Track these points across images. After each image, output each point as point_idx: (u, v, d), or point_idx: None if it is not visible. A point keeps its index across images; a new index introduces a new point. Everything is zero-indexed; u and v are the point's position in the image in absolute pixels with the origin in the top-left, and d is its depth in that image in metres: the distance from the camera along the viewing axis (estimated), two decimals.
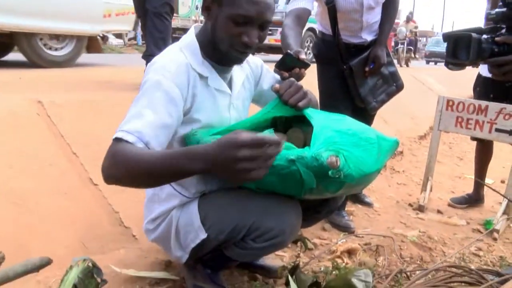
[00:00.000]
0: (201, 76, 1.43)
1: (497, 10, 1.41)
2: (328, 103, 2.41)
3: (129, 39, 16.38)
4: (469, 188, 3.47)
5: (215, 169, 1.01)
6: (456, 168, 4.51)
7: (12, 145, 2.11)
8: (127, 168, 1.14)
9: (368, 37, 2.45)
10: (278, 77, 1.69)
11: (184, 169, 1.05)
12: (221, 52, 1.41)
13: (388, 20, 2.48)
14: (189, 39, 1.47)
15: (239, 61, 1.47)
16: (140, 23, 3.35)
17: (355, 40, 2.43)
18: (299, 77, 1.60)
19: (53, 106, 2.43)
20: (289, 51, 1.61)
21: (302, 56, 1.59)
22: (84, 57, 5.58)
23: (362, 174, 1.29)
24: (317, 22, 2.56)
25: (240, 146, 0.94)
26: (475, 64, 1.56)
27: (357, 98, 2.47)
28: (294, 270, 1.15)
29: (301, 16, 2.18)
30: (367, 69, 2.43)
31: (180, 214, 1.53)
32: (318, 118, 1.41)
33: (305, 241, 1.81)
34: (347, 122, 1.44)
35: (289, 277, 1.11)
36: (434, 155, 3.28)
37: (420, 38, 23.30)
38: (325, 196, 1.43)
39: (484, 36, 1.41)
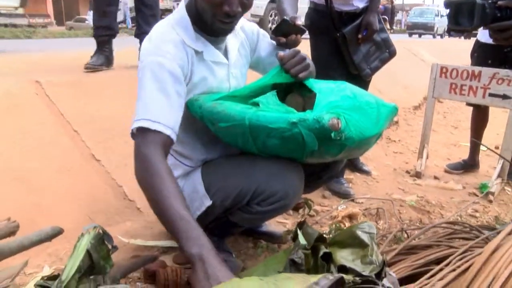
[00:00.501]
0: (196, 51, 1.44)
1: None
2: (323, 72, 2.40)
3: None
4: (464, 155, 3.53)
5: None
6: (451, 137, 4.57)
7: (14, 126, 2.13)
8: (147, 192, 1.22)
9: (359, 4, 2.46)
10: (274, 43, 1.70)
11: (177, 242, 1.11)
12: (206, 24, 1.41)
13: None
14: (180, 14, 1.46)
15: (225, 32, 1.47)
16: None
17: (347, 8, 2.45)
18: (295, 43, 1.62)
19: (51, 85, 2.44)
20: (285, 17, 1.62)
21: (298, 22, 1.60)
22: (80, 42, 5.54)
23: (362, 137, 1.32)
24: None
25: None
26: (476, 29, 1.57)
27: (351, 65, 2.49)
28: (301, 225, 1.18)
29: None
30: (360, 36, 2.45)
31: (184, 183, 1.56)
32: (319, 85, 1.43)
33: (308, 203, 1.86)
34: (347, 88, 1.46)
35: (298, 230, 1.15)
36: (430, 122, 3.32)
37: (408, 9, 22.64)
38: (326, 159, 1.46)
39: (487, 0, 1.43)
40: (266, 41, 1.70)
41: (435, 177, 3.22)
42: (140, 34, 3.00)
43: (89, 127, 2.35)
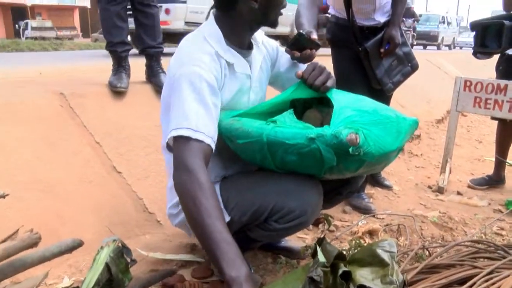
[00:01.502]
0: (228, 63, 1.46)
1: None
2: (345, 86, 2.40)
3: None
4: (489, 171, 3.45)
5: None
6: (475, 151, 4.49)
7: (38, 137, 2.17)
8: (187, 203, 1.21)
9: (381, 18, 2.46)
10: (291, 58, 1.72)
11: (214, 261, 1.12)
12: (268, 22, 1.51)
13: (400, 0, 2.48)
14: (212, 28, 1.49)
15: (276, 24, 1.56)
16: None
17: (369, 23, 2.45)
18: (310, 57, 1.62)
19: (75, 97, 2.48)
20: (301, 31, 1.63)
21: (314, 36, 1.61)
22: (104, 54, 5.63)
23: (381, 152, 1.31)
24: (330, 6, 2.57)
25: None
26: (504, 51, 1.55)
27: (374, 79, 2.48)
28: (321, 241, 1.17)
29: None
30: (382, 50, 2.44)
31: None
32: (339, 98, 1.43)
33: (328, 219, 1.84)
34: (367, 102, 1.46)
35: (317, 247, 1.14)
36: (453, 136, 3.27)
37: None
38: (345, 175, 1.45)
39: None
40: (285, 57, 1.72)
41: (458, 193, 3.16)
42: (145, 49, 2.91)
43: (111, 139, 2.38)
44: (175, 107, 1.33)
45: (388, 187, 3.06)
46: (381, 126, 1.34)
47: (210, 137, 1.28)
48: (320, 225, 2.21)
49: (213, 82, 1.35)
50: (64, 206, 1.98)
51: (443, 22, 21.79)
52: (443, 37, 21.04)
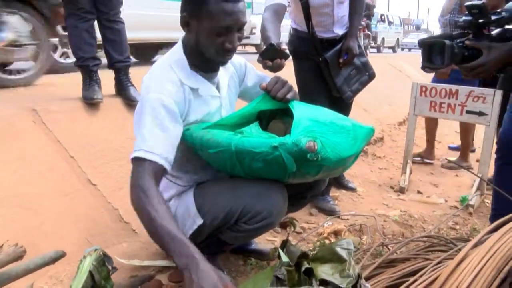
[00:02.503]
0: (192, 88, 1.59)
1: (464, 18, 1.62)
2: (306, 96, 2.55)
3: None
4: (449, 171, 3.67)
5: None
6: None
7: (14, 153, 2.23)
8: (141, 217, 1.32)
9: (339, 31, 2.61)
10: (260, 73, 1.86)
11: (171, 256, 1.21)
12: (207, 59, 1.58)
13: (356, 13, 2.64)
14: (178, 56, 1.62)
15: (225, 63, 1.64)
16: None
17: (328, 35, 2.59)
18: (280, 66, 1.78)
19: (47, 113, 2.54)
20: (272, 42, 1.79)
21: (283, 47, 1.78)
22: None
23: (338, 157, 1.46)
24: (291, 19, 2.72)
25: None
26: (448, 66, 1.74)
27: (333, 88, 2.63)
28: (284, 244, 1.31)
29: (279, 11, 2.34)
30: (341, 60, 2.59)
31: (177, 204, 1.70)
32: (300, 109, 1.57)
33: (293, 222, 1.98)
34: (325, 113, 1.61)
35: (280, 250, 1.27)
36: (412, 139, 3.48)
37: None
38: (307, 179, 1.59)
39: (455, 41, 1.60)
40: (253, 72, 1.87)
41: (419, 192, 3.35)
42: (113, 64, 2.99)
43: (85, 152, 2.46)
44: (137, 130, 1.47)
45: (352, 189, 3.22)
46: (337, 134, 1.48)
47: (163, 157, 1.41)
48: (288, 228, 2.35)
49: (173, 108, 1.48)
50: (42, 220, 2.05)
51: (383, 21, 19.21)
52: (383, 38, 18.24)
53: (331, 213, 2.71)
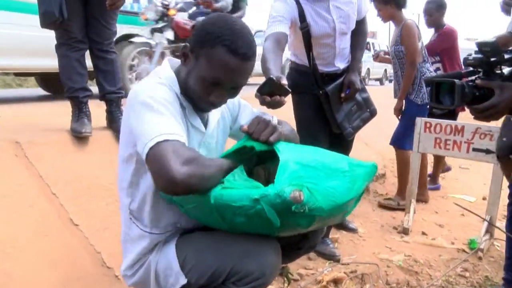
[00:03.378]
0: (182, 106, 1.42)
1: (474, 56, 1.50)
2: (306, 132, 2.44)
3: None
4: (452, 207, 3.51)
5: None
6: None
7: None
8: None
9: (340, 65, 2.51)
10: (256, 111, 1.69)
11: None
12: (192, 98, 1.42)
13: (359, 46, 2.56)
14: (168, 74, 1.44)
15: (207, 111, 1.49)
16: None
17: (329, 69, 2.49)
18: (279, 103, 1.59)
19: (32, 145, 2.40)
20: (271, 76, 1.59)
21: (284, 82, 1.59)
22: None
23: (333, 204, 1.28)
24: (291, 53, 2.61)
25: None
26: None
27: (334, 124, 2.50)
28: None
29: (280, 40, 2.20)
30: (343, 94, 2.48)
31: (158, 259, 1.50)
32: (286, 151, 1.38)
33: (287, 275, 1.79)
34: (316, 153, 1.43)
35: None
36: (416, 177, 3.33)
37: None
38: (299, 231, 1.41)
39: (464, 80, 1.48)
40: (247, 111, 1.69)
41: (423, 233, 3.19)
42: (105, 95, 2.87)
43: (69, 189, 2.30)
44: (139, 129, 1.27)
45: (353, 230, 3.06)
46: (331, 178, 1.31)
47: (183, 136, 1.25)
48: (283, 280, 2.17)
49: (167, 103, 1.31)
50: (16, 263, 1.88)
51: (368, 49, 15.28)
52: (368, 69, 16.10)
53: (331, 257, 2.54)
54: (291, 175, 1.23)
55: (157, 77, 1.43)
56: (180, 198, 1.33)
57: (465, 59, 1.67)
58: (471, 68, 1.69)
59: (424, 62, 3.59)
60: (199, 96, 1.38)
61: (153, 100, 1.29)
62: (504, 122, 1.78)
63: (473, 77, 1.58)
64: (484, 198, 3.98)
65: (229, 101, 1.60)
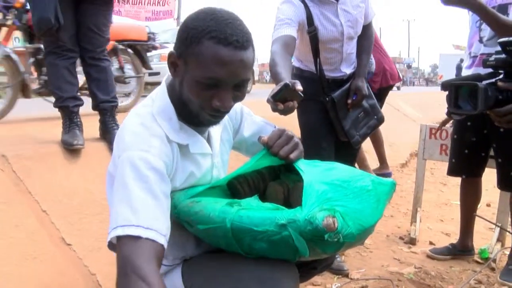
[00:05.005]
0: (180, 145, 1.26)
1: (496, 56, 1.39)
2: (310, 140, 2.34)
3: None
4: (456, 215, 3.39)
5: None
6: (441, 195, 4.46)
7: None
8: None
9: (347, 70, 2.41)
10: (258, 120, 1.56)
11: None
12: (192, 114, 1.23)
13: (365, 51, 2.47)
14: (162, 102, 1.27)
15: (213, 124, 1.29)
16: None
17: (335, 74, 2.39)
18: (292, 110, 1.45)
19: (19, 159, 2.25)
20: (287, 81, 1.45)
21: (299, 87, 1.44)
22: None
23: (362, 229, 1.13)
24: (295, 58, 2.49)
25: None
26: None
27: (340, 132, 2.39)
28: None
29: (289, 44, 2.10)
30: (349, 101, 2.37)
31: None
32: (308, 170, 1.24)
33: None
34: (339, 171, 1.28)
35: None
36: (421, 185, 3.23)
37: None
38: (321, 257, 1.29)
39: (484, 82, 1.38)
40: (250, 120, 1.54)
41: (431, 243, 3.08)
42: (99, 104, 2.73)
43: (60, 206, 2.16)
44: (120, 196, 1.09)
45: None
46: (358, 198, 1.17)
47: (163, 235, 1.05)
48: None
49: (161, 169, 1.14)
50: None
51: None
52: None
53: (338, 272, 2.42)
54: (320, 197, 1.08)
55: (150, 113, 1.25)
56: (189, 216, 1.19)
57: (485, 60, 1.56)
58: (490, 70, 1.58)
59: None
60: (200, 105, 1.18)
61: (146, 165, 1.10)
62: None
63: (494, 79, 1.48)
64: (488, 205, 3.89)
65: (231, 109, 1.45)
